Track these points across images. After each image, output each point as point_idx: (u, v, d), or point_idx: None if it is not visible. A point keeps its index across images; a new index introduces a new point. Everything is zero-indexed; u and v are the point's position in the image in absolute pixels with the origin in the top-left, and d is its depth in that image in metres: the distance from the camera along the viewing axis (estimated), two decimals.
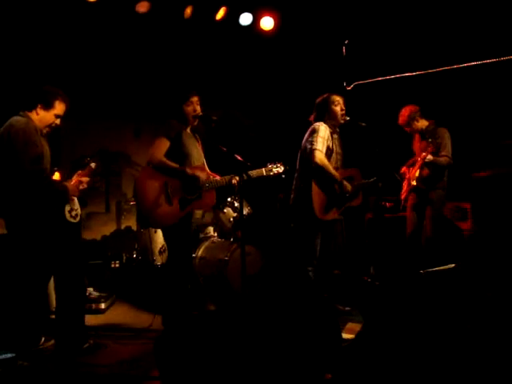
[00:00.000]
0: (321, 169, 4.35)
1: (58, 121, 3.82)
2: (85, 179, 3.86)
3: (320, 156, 4.34)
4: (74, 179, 3.81)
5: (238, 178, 3.93)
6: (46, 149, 3.71)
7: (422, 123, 5.25)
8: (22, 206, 3.54)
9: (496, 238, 5.37)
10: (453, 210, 5.90)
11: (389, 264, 5.66)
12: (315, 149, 4.33)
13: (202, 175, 4.04)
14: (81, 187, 3.82)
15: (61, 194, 3.68)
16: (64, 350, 3.64)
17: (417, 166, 5.18)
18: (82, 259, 3.89)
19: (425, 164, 5.06)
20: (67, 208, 3.73)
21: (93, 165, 3.94)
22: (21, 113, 3.70)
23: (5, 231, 3.71)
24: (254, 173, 4.16)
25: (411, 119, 5.21)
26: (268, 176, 4.27)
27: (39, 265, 3.66)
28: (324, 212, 4.44)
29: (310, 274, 4.50)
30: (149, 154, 4.02)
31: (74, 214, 3.76)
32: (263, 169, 4.27)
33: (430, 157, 4.98)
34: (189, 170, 3.98)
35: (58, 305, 3.78)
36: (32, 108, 3.72)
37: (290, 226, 4.73)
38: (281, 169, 4.31)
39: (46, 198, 3.60)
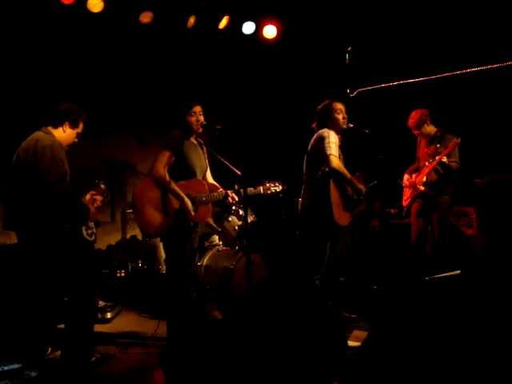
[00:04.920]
0: (338, 173, 4.38)
1: (76, 139, 3.84)
2: (99, 197, 3.86)
3: (336, 161, 4.35)
4: (88, 197, 3.79)
5: (231, 194, 4.04)
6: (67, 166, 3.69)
7: (431, 128, 5.28)
8: (43, 221, 3.51)
9: (502, 245, 5.34)
10: (457, 215, 5.88)
11: (394, 270, 5.64)
12: (330, 154, 4.33)
13: (198, 195, 3.97)
14: (95, 205, 3.82)
15: (83, 212, 3.69)
16: (70, 361, 3.60)
17: (424, 171, 5.17)
18: (95, 277, 3.88)
19: (439, 166, 5.05)
20: (83, 226, 3.73)
21: (103, 186, 3.97)
22: (43, 129, 3.68)
23: (9, 241, 3.72)
24: (251, 191, 4.16)
25: (422, 121, 5.24)
26: (265, 194, 4.26)
27: (51, 278, 3.65)
28: (341, 216, 4.47)
29: (317, 282, 4.50)
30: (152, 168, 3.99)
31: (89, 232, 3.76)
32: (261, 187, 4.24)
33: (445, 159, 5.00)
34: (187, 200, 3.88)
35: (68, 320, 3.70)
36: (59, 125, 3.71)
37: (296, 233, 4.72)
38: (279, 188, 4.31)
39: (68, 215, 3.60)
